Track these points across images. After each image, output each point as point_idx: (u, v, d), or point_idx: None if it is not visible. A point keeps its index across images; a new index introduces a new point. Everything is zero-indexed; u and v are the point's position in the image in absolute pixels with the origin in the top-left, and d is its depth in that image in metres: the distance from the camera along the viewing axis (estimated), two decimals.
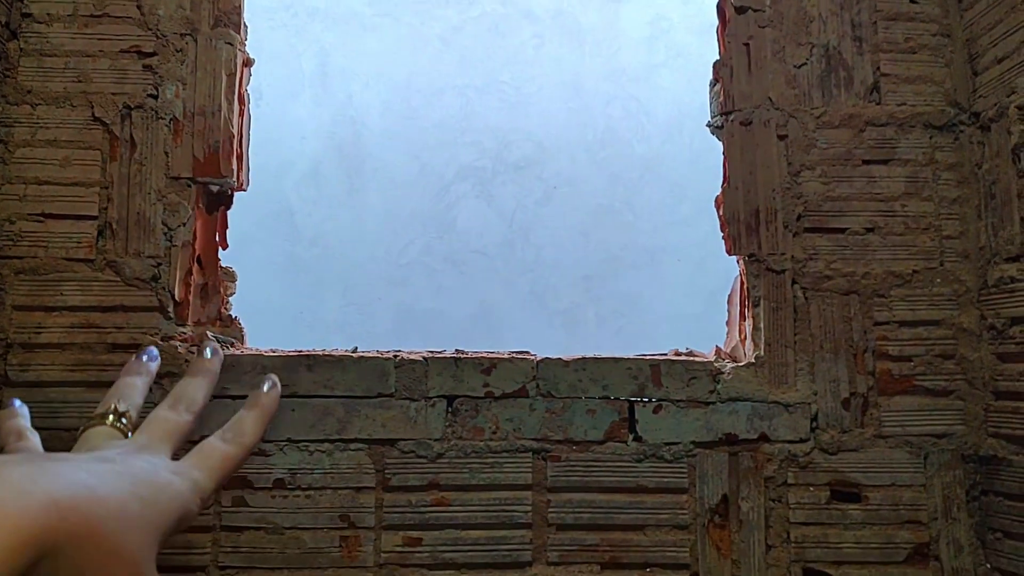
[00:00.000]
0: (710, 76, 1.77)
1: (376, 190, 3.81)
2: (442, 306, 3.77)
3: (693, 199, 3.80)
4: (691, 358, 1.67)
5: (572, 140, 3.86)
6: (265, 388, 1.24)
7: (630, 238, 3.84)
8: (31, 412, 1.50)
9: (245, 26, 1.70)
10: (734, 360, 1.68)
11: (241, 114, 1.68)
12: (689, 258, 3.77)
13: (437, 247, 3.81)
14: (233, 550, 1.52)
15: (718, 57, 1.75)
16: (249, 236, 3.60)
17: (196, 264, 1.62)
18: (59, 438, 1.52)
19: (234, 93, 1.64)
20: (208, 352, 1.28)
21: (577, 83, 3.85)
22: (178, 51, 1.61)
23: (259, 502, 1.54)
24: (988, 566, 1.59)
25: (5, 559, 0.60)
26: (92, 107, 1.59)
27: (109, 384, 1.52)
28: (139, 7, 1.62)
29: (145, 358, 1.31)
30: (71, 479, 0.73)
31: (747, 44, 1.70)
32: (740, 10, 1.71)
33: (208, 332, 1.60)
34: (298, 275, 3.79)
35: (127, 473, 0.92)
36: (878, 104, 1.70)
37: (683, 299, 3.72)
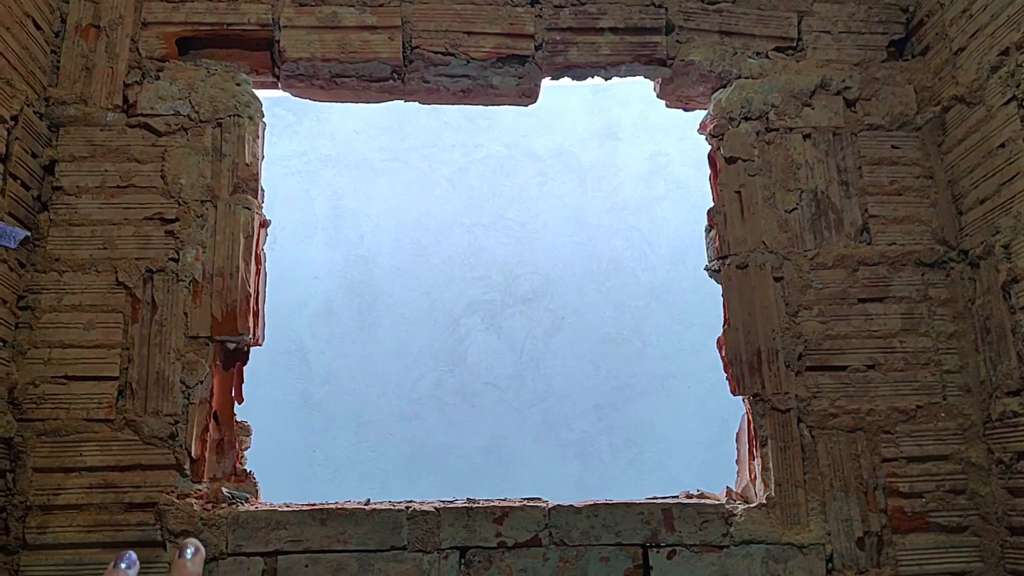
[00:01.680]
0: (705, 222, 1.85)
1: (387, 326, 3.88)
2: (454, 440, 3.77)
3: (700, 325, 3.85)
4: (703, 500, 1.67)
5: (578, 272, 3.95)
6: (188, 554, 1.18)
7: (640, 366, 3.87)
8: (47, 575, 1.51)
9: (262, 190, 1.80)
10: (745, 501, 1.69)
11: (258, 273, 1.75)
12: (700, 384, 3.79)
13: (448, 381, 3.85)
14: None
15: (711, 204, 1.83)
16: (263, 377, 3.64)
17: (212, 420, 1.66)
18: None
19: (251, 254, 1.72)
20: (188, 553, 1.23)
21: (580, 217, 3.97)
22: (199, 216, 1.70)
23: None
24: None
25: None
26: (116, 272, 1.66)
27: (124, 545, 1.54)
28: (163, 177, 1.72)
29: (124, 565, 1.23)
30: None
31: (739, 192, 1.79)
32: (730, 160, 1.80)
33: (224, 488, 1.62)
34: (311, 413, 3.81)
35: None
36: (869, 244, 1.76)
37: (696, 424, 3.72)
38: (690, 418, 3.75)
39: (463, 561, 1.59)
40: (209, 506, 1.59)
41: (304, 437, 3.74)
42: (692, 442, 3.66)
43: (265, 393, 3.65)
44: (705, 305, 3.62)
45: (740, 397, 1.73)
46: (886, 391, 1.69)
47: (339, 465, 3.68)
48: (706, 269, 1.83)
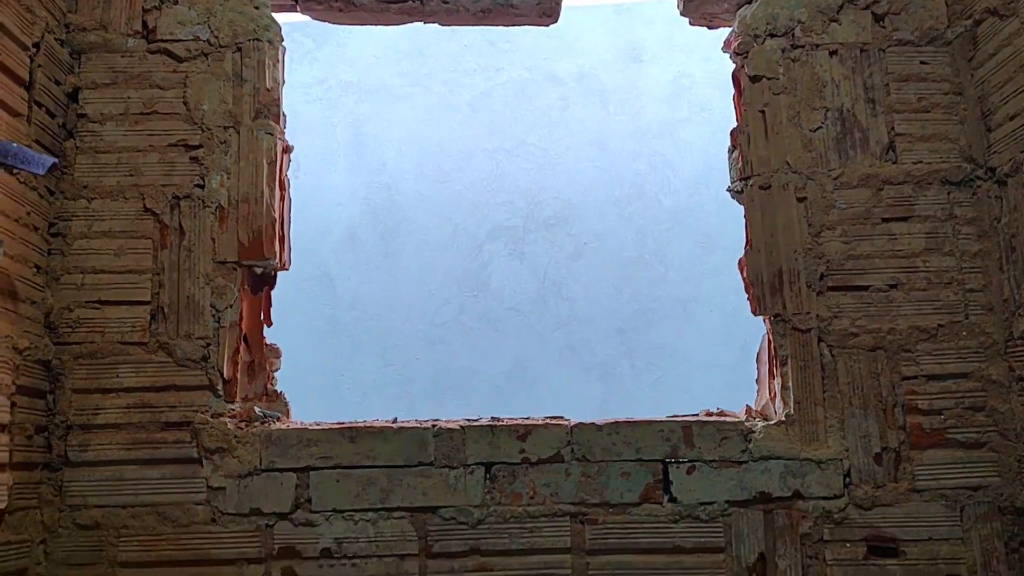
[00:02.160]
0: (728, 143, 1.83)
1: (411, 253, 3.90)
2: (478, 364, 3.82)
3: (723, 249, 3.83)
4: (722, 418, 1.70)
5: (600, 197, 3.93)
6: None
7: (662, 290, 3.88)
8: (89, 490, 1.58)
9: (284, 115, 1.80)
10: (765, 419, 1.72)
11: (282, 199, 1.77)
12: (722, 308, 3.79)
13: (472, 306, 3.88)
14: None
15: (735, 124, 1.81)
16: (290, 303, 3.69)
17: (243, 343, 1.70)
18: (117, 516, 1.59)
19: (275, 179, 1.73)
20: None
21: (603, 142, 3.93)
22: (222, 143, 1.71)
23: (308, 571, 1.59)
24: None
25: None
26: (143, 199, 1.69)
27: (162, 462, 1.60)
28: (185, 103, 1.73)
29: None
30: None
31: (763, 111, 1.77)
32: (754, 79, 1.78)
33: (256, 408, 1.67)
34: (338, 338, 3.87)
35: None
36: (894, 163, 1.74)
37: (718, 348, 3.74)
38: (712, 341, 3.77)
39: (488, 476, 1.64)
40: (242, 425, 1.65)
41: (332, 362, 3.81)
42: (714, 365, 3.68)
43: (293, 319, 3.70)
44: (728, 229, 3.60)
45: (761, 318, 1.75)
46: (908, 310, 1.69)
47: (366, 389, 3.75)
48: (729, 190, 1.82)
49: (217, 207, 1.69)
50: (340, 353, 3.88)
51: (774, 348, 1.71)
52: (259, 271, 1.71)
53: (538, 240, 3.95)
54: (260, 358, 1.74)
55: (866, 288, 1.70)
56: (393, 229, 3.94)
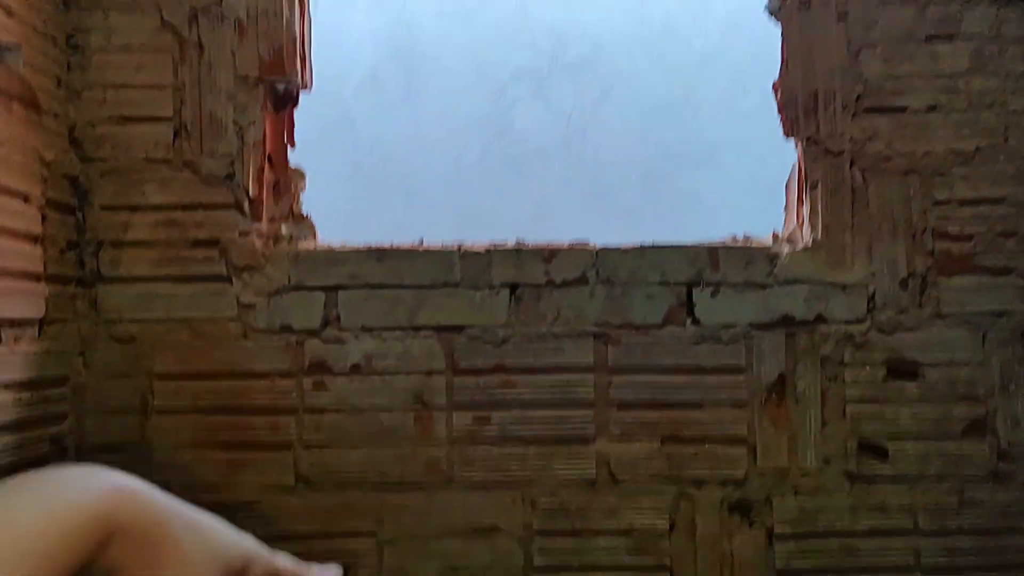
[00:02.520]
0: None
1: (433, 94, 3.82)
2: (502, 208, 3.81)
3: (755, 92, 3.70)
4: (748, 243, 1.70)
5: (629, 37, 3.80)
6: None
7: (689, 134, 3.80)
8: (123, 305, 1.62)
9: None
10: (791, 244, 1.71)
11: (302, 16, 1.71)
12: (749, 154, 3.72)
13: (495, 149, 3.83)
14: (316, 429, 1.63)
15: None
16: (311, 145, 3.65)
17: (267, 162, 1.69)
18: (151, 330, 1.63)
19: None
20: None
21: None
22: None
23: (338, 386, 1.64)
24: None
25: (72, 534, 0.59)
26: (161, 11, 1.64)
27: (193, 279, 1.63)
28: None
29: None
30: None
31: None
32: None
33: (283, 227, 1.68)
34: (361, 182, 3.86)
35: None
36: None
37: (743, 195, 3.69)
38: (738, 188, 3.72)
39: (513, 297, 1.66)
40: (270, 244, 1.66)
41: (355, 206, 3.81)
42: (739, 212, 3.63)
43: (314, 162, 3.68)
44: (759, 74, 3.49)
45: (792, 145, 1.71)
46: (946, 133, 1.64)
47: (389, 233, 3.76)
48: (766, 9, 1.74)
49: (236, 21, 1.64)
50: (363, 197, 3.88)
51: (804, 173, 1.68)
52: (281, 88, 1.68)
53: (563, 82, 3.86)
54: (285, 179, 1.73)
55: (903, 110, 1.65)
56: (415, 70, 3.85)
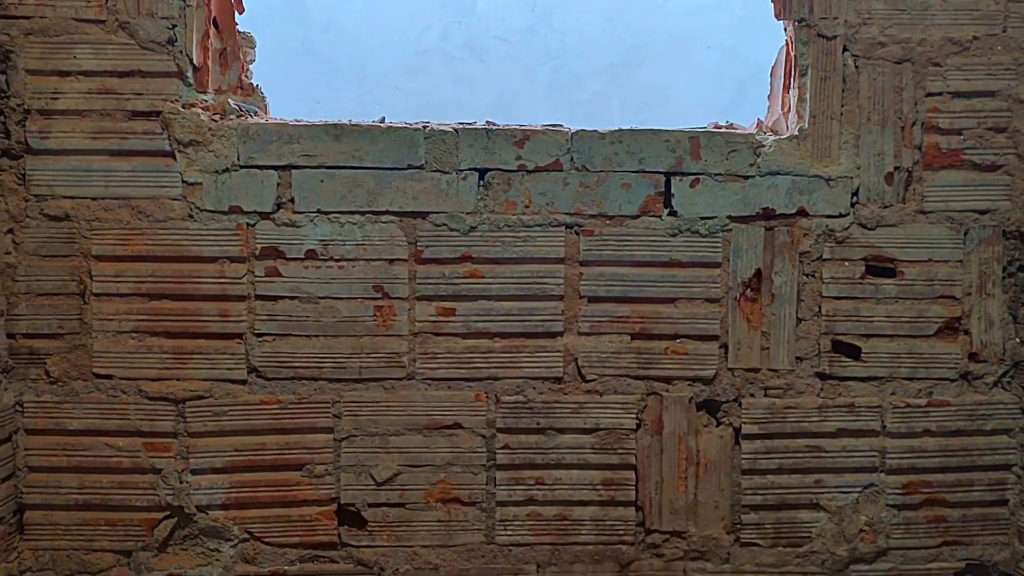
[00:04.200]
0: None
1: None
2: (461, 95, 3.65)
3: None
4: (731, 130, 1.61)
5: None
6: None
7: (658, 23, 3.65)
8: (55, 180, 1.48)
9: None
10: (776, 134, 1.62)
11: None
12: (720, 45, 3.60)
13: (456, 33, 3.64)
14: (269, 318, 1.54)
15: None
16: (260, 20, 3.43)
17: (213, 27, 1.54)
18: (87, 208, 1.50)
19: None
20: None
21: None
22: None
23: (292, 272, 1.53)
24: (1018, 340, 1.60)
25: None
26: None
27: (132, 153, 1.49)
28: None
29: None
30: None
31: None
32: None
33: (230, 100, 1.54)
34: (313, 63, 3.66)
35: None
36: None
37: (712, 89, 3.59)
38: (706, 81, 3.61)
39: (482, 183, 1.55)
40: (217, 117, 1.52)
41: (307, 89, 3.62)
42: (707, 106, 3.55)
43: (264, 40, 3.46)
44: None
45: (769, 44, 1.61)
46: (944, 20, 1.55)
47: (344, 117, 3.59)
48: None
49: None
50: (316, 80, 3.68)
51: (794, 57, 1.58)
52: None
53: None
54: (232, 46, 1.58)
55: None
56: None
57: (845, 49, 1.55)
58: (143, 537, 1.55)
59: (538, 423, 1.59)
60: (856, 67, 1.56)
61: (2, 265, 1.48)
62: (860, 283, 1.58)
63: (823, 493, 1.61)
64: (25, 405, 1.52)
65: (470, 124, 1.58)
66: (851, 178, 1.57)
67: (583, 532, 1.60)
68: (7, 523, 1.49)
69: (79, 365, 1.52)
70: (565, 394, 1.59)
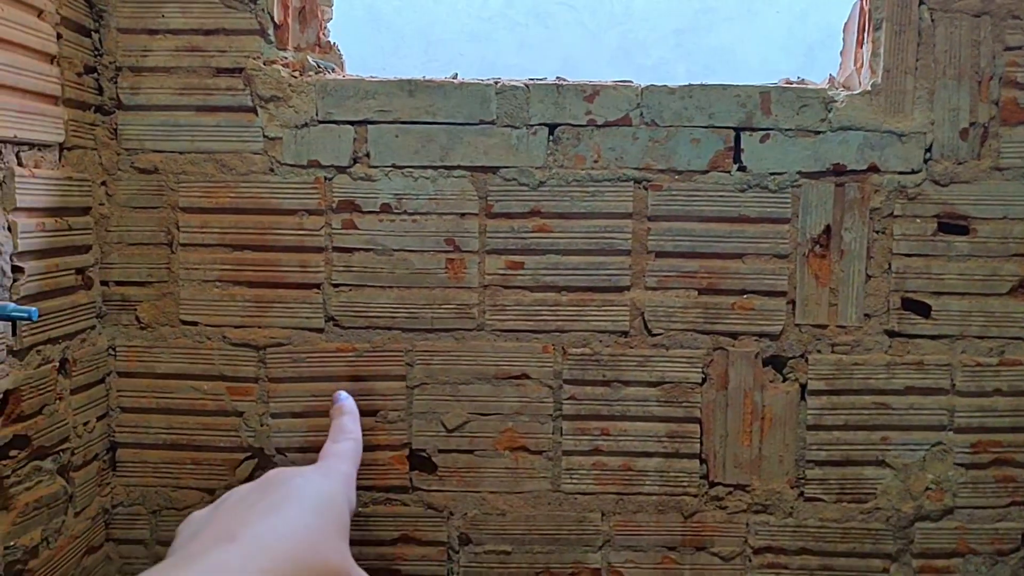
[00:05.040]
0: None
1: None
2: (526, 62, 3.65)
3: None
4: (803, 86, 1.60)
5: None
6: (342, 400, 1.45)
7: None
8: (145, 135, 1.55)
9: None
10: (848, 89, 1.61)
11: None
12: (789, 9, 3.53)
13: (521, 0, 3.65)
14: (345, 269, 1.59)
15: None
16: None
17: None
18: (175, 162, 1.57)
19: None
20: (341, 399, 1.47)
21: None
22: None
23: (367, 225, 1.59)
24: None
25: None
26: None
27: (216, 109, 1.55)
28: None
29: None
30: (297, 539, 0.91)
31: None
32: None
33: (309, 57, 1.59)
34: (378, 30, 3.70)
35: (311, 507, 0.99)
36: None
37: (780, 53, 3.53)
38: (775, 46, 3.55)
39: (551, 138, 1.58)
40: (296, 74, 1.57)
41: (374, 56, 3.66)
42: (776, 71, 3.48)
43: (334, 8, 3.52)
44: None
45: (839, 9, 1.59)
46: None
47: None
48: None
49: None
50: (383, 47, 3.72)
51: (868, 11, 1.57)
52: None
53: None
54: (311, 4, 1.63)
55: None
56: None
57: (921, 2, 1.53)
58: (226, 476, 1.62)
59: (604, 375, 1.62)
60: (932, 20, 1.53)
61: (96, 216, 1.56)
62: (932, 240, 1.57)
63: (889, 450, 1.61)
64: (117, 349, 1.61)
65: (540, 79, 1.61)
66: (924, 134, 1.55)
67: (647, 483, 1.63)
68: (101, 459, 1.59)
69: (167, 312, 1.60)
70: (631, 347, 1.62)
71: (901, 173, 1.56)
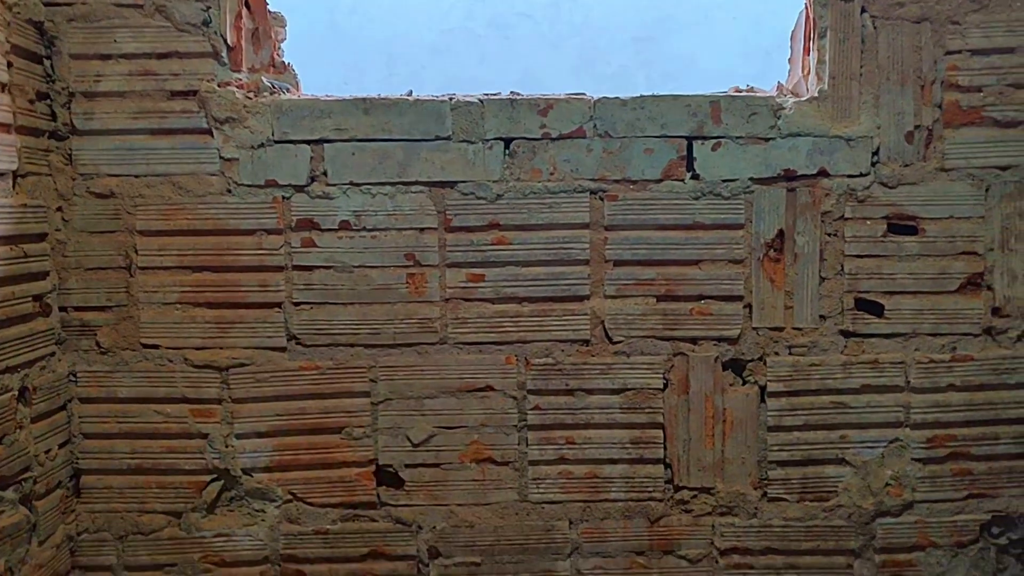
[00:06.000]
0: None
1: None
2: (487, 74, 3.68)
3: None
4: (752, 93, 1.64)
5: None
6: None
7: None
8: (100, 159, 1.55)
9: None
10: (796, 96, 1.64)
11: None
12: (746, 15, 3.59)
13: (480, 11, 3.67)
14: (306, 287, 1.60)
15: None
16: (286, 6, 3.49)
17: (245, 8, 1.59)
18: (131, 185, 1.57)
19: None
20: None
21: None
22: None
23: (327, 243, 1.59)
24: None
25: None
26: None
27: (171, 132, 1.56)
28: None
29: None
30: None
31: None
32: None
33: (264, 78, 1.60)
34: (339, 45, 3.70)
35: None
36: None
37: (739, 59, 3.58)
38: (733, 51, 3.60)
39: (507, 152, 1.60)
40: (251, 95, 1.58)
41: (335, 70, 3.67)
42: (734, 77, 3.53)
43: (292, 24, 3.53)
44: None
45: (794, 13, 1.63)
46: None
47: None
48: None
49: None
50: (343, 62, 3.73)
51: (813, 20, 1.60)
52: None
53: None
54: (264, 25, 1.63)
55: None
56: None
57: (863, 11, 1.57)
58: (192, 499, 1.62)
59: (567, 384, 1.63)
60: (875, 27, 1.57)
61: (53, 242, 1.55)
62: (882, 241, 1.61)
63: (848, 448, 1.64)
64: (78, 375, 1.60)
65: (495, 95, 1.63)
66: (871, 138, 1.59)
67: (613, 489, 1.65)
68: (64, 487, 1.58)
69: (127, 336, 1.60)
70: (593, 356, 1.64)
71: (850, 176, 1.59)
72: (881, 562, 1.65)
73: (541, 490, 1.65)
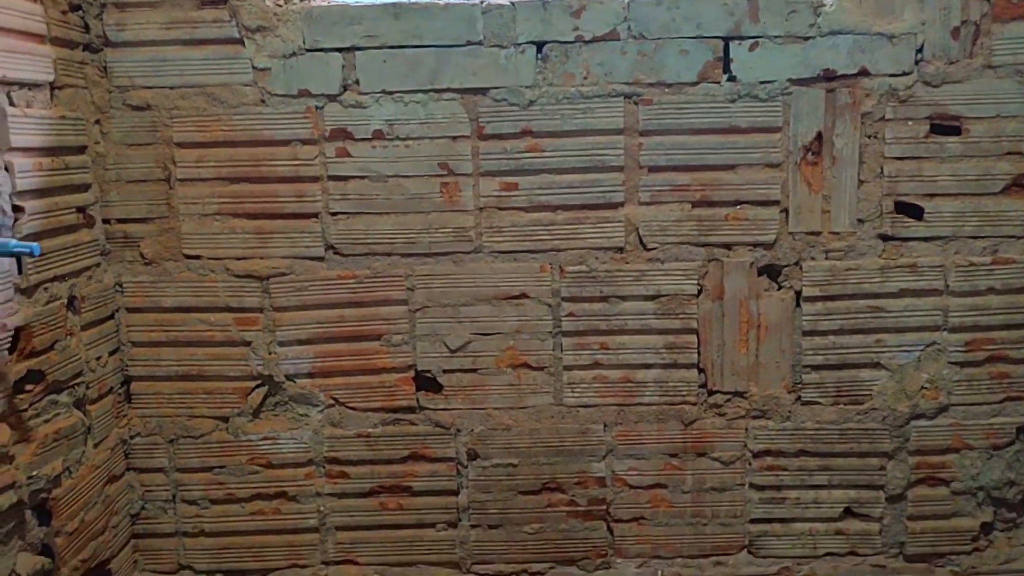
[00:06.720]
0: None
1: None
2: None
3: None
4: None
5: None
6: None
7: None
8: (135, 71, 1.56)
9: None
10: None
11: None
12: None
13: None
14: (342, 197, 1.61)
15: None
16: None
17: None
18: (165, 96, 1.58)
19: None
20: None
21: None
22: None
23: (360, 152, 1.60)
24: None
25: None
26: None
27: (203, 42, 1.56)
28: None
29: None
30: None
31: None
32: None
33: None
34: None
35: None
36: None
37: None
38: None
39: (540, 56, 1.57)
40: (281, 2, 1.57)
41: None
42: None
43: None
44: None
45: None
46: None
47: None
48: None
49: None
50: None
51: None
52: None
53: None
54: None
55: None
56: None
57: None
58: (238, 404, 1.67)
59: (601, 291, 1.64)
60: None
61: (93, 154, 1.58)
62: (924, 142, 1.57)
63: (884, 352, 1.64)
64: (124, 285, 1.64)
65: None
66: (915, 34, 1.54)
67: (647, 393, 1.67)
68: (116, 393, 1.64)
69: (170, 247, 1.63)
70: (627, 263, 1.64)
71: (892, 76, 1.55)
72: (915, 464, 1.67)
73: (576, 394, 1.68)
